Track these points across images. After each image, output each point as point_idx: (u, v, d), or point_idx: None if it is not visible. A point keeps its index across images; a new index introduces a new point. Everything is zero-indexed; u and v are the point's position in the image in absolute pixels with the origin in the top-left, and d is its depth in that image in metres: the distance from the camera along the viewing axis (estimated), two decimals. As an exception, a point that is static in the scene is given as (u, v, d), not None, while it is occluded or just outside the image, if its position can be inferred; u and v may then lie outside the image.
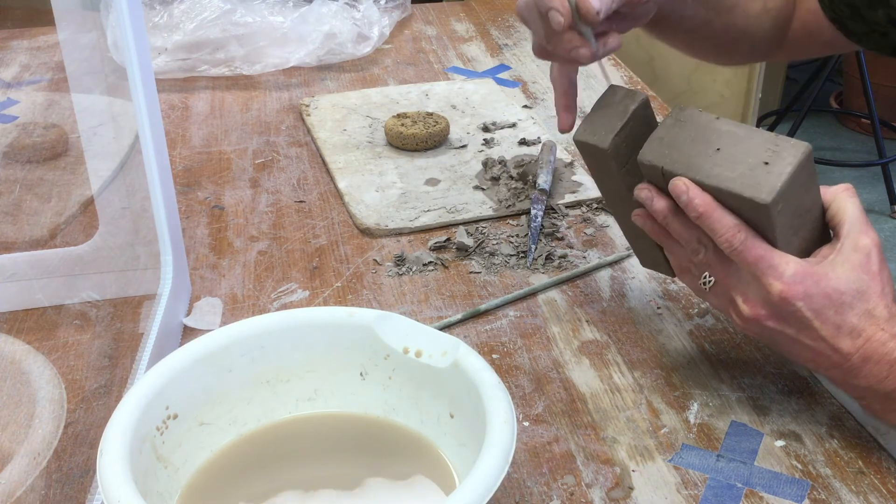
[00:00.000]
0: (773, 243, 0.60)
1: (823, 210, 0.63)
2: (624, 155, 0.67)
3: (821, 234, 0.63)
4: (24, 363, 0.69)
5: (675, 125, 0.64)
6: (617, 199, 0.71)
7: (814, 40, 0.88)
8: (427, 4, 1.58)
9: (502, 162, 1.01)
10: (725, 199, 0.60)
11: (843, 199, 0.63)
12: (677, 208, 0.63)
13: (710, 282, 0.64)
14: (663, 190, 0.63)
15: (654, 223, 0.66)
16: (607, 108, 0.67)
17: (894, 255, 2.45)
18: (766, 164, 0.59)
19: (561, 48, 0.68)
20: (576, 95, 0.73)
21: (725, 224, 0.60)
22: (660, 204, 0.64)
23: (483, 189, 0.98)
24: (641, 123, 0.67)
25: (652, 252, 0.72)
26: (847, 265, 0.60)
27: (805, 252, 0.62)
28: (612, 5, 0.66)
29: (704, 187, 0.61)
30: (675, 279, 0.83)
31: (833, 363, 0.61)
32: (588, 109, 0.69)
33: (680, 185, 0.61)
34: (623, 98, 0.67)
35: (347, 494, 0.59)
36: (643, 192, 0.65)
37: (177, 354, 0.59)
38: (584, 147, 0.69)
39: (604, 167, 0.69)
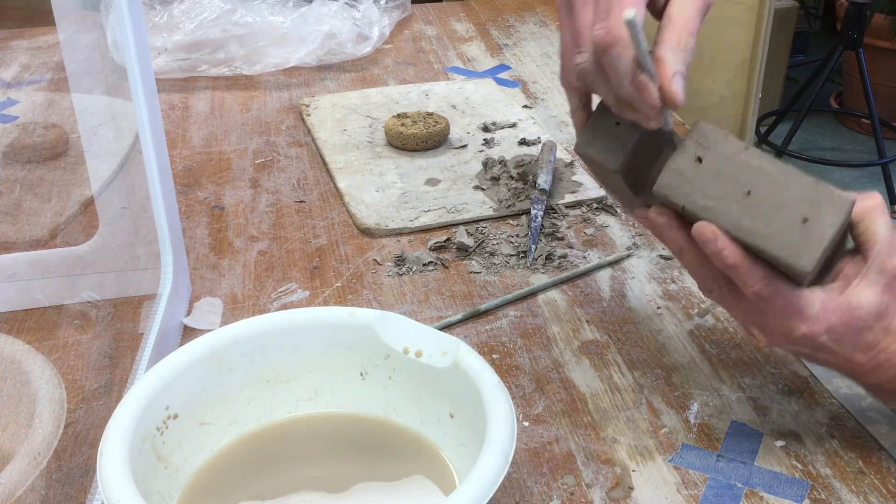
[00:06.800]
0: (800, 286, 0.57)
1: (848, 226, 0.59)
2: (636, 169, 0.62)
3: (839, 245, 0.59)
4: (24, 363, 0.70)
5: (696, 152, 0.58)
6: (619, 192, 0.67)
7: None
8: (427, 4, 1.58)
9: (502, 162, 1.01)
10: (757, 251, 0.56)
11: (872, 219, 0.59)
12: (694, 241, 0.58)
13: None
14: (679, 215, 0.59)
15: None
16: (613, 116, 0.62)
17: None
18: (805, 221, 0.54)
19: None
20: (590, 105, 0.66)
21: (756, 276, 0.56)
22: (677, 235, 0.59)
23: (483, 189, 0.98)
24: (653, 133, 0.61)
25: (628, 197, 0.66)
26: (870, 290, 0.58)
27: (824, 265, 0.58)
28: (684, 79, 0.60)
29: (734, 238, 0.56)
30: (675, 279, 0.83)
31: (844, 371, 0.62)
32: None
33: (707, 233, 0.56)
34: None
35: (347, 494, 0.59)
36: (661, 218, 0.60)
37: (177, 354, 0.59)
38: (588, 160, 0.64)
39: (608, 177, 0.65)
